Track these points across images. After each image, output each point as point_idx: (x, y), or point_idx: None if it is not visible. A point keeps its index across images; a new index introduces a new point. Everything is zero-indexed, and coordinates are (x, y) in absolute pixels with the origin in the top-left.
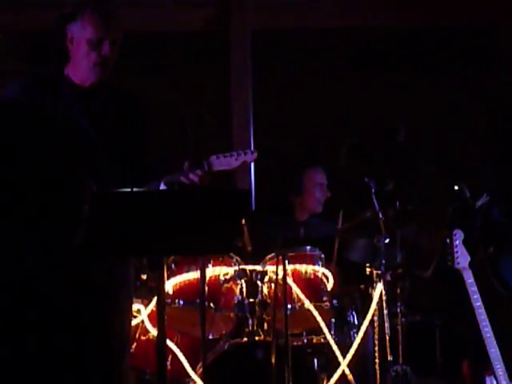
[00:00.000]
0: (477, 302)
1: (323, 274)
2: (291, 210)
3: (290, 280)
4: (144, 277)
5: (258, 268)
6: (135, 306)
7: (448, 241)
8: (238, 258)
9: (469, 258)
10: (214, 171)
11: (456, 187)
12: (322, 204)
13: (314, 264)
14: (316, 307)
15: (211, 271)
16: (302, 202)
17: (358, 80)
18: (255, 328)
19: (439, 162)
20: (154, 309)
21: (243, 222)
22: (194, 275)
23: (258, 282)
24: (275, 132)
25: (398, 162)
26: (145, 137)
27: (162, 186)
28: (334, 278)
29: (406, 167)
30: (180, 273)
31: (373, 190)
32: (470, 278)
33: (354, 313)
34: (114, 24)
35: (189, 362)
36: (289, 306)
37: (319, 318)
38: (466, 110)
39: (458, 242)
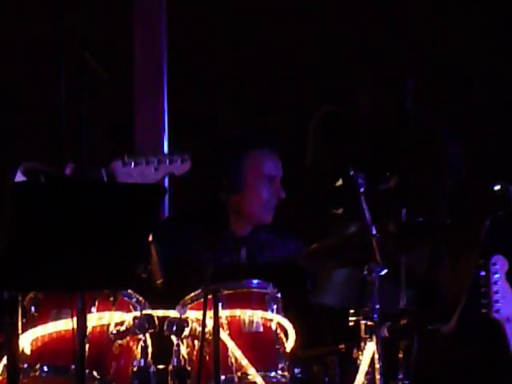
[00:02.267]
0: None
1: (279, 325)
2: (224, 219)
3: (224, 335)
4: None
5: (173, 314)
6: None
7: (483, 274)
8: (141, 298)
9: None
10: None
11: (497, 187)
12: (273, 210)
13: (264, 309)
14: (266, 380)
15: (96, 319)
16: (241, 206)
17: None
18: None
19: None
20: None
21: (150, 238)
22: (67, 325)
23: (173, 338)
24: (199, 94)
25: (404, 143)
26: None
27: (19, 176)
28: (296, 332)
29: (419, 153)
30: (44, 321)
31: (361, 190)
32: None
33: None
34: None
35: None
36: (222, 378)
37: None
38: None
39: (499, 275)
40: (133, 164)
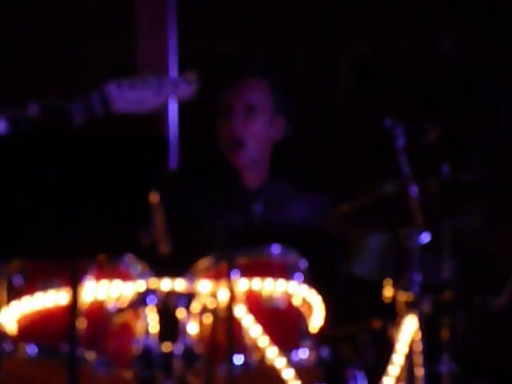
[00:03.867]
0: None
1: (304, 299)
2: (232, 169)
3: (241, 310)
4: None
5: (181, 286)
6: None
7: None
8: (145, 267)
9: None
10: (114, 114)
11: None
12: (232, 150)
13: (286, 280)
14: (289, 361)
15: (92, 291)
16: (221, 150)
17: None
18: None
19: None
20: None
21: (154, 196)
22: (58, 298)
23: (181, 313)
24: (211, 29)
25: (448, 92)
26: None
27: (2, 127)
28: (324, 306)
29: (466, 101)
30: (31, 292)
31: (400, 142)
32: None
33: (360, 373)
34: None
35: None
36: (238, 359)
37: (295, 383)
38: None
39: None
40: (129, 87)
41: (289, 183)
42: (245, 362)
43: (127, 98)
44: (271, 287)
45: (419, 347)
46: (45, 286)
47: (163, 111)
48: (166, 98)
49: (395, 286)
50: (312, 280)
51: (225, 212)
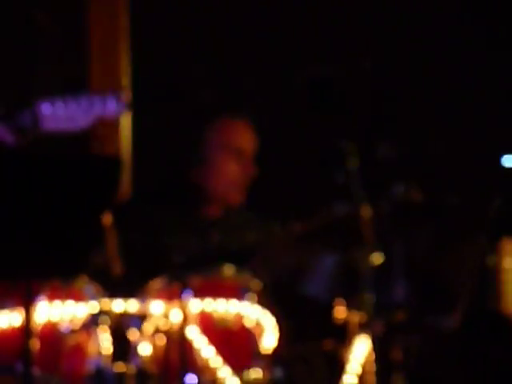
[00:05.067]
0: None
1: (256, 320)
2: (194, 199)
3: (194, 331)
4: None
5: (134, 307)
6: None
7: (491, 260)
8: (98, 287)
9: None
10: (43, 132)
11: (508, 161)
12: (243, 189)
13: (239, 299)
14: (242, 381)
15: (45, 312)
16: (206, 183)
17: None
18: None
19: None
20: None
21: (107, 219)
22: (12, 319)
23: (134, 334)
24: (165, 54)
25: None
26: None
27: None
28: (278, 327)
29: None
30: None
31: (352, 163)
32: None
33: None
34: None
35: None
36: (191, 380)
37: None
38: None
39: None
40: (60, 105)
41: (246, 210)
42: (198, 383)
43: (58, 116)
44: (224, 308)
45: (372, 368)
46: None
47: (115, 131)
48: (96, 116)
49: (347, 306)
50: (265, 300)
51: (181, 236)
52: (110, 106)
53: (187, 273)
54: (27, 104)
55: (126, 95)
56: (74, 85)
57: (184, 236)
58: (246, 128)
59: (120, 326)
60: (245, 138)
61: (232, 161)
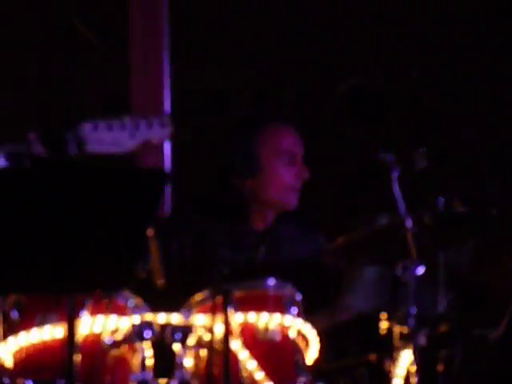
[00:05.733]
0: None
1: (299, 332)
2: (241, 210)
3: (236, 344)
4: None
5: (177, 320)
6: None
7: None
8: (140, 301)
9: None
10: (86, 153)
11: None
12: (297, 193)
13: (282, 313)
14: None
15: (87, 325)
16: (259, 191)
17: None
18: None
19: None
20: None
21: (151, 232)
22: (54, 332)
23: (177, 347)
24: (206, 64)
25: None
26: None
27: (1, 161)
28: (320, 341)
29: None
30: (27, 327)
31: (395, 174)
32: None
33: None
34: None
35: None
36: None
37: None
38: None
39: None
40: (105, 128)
41: (293, 221)
42: None
43: (102, 139)
44: (266, 321)
45: (415, 380)
46: (41, 321)
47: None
48: (141, 140)
49: (391, 319)
50: (309, 313)
51: (228, 250)
52: (156, 131)
53: (230, 286)
54: (69, 126)
55: (171, 120)
56: (115, 100)
57: (230, 248)
58: (294, 133)
59: (163, 339)
60: (294, 142)
61: (285, 165)
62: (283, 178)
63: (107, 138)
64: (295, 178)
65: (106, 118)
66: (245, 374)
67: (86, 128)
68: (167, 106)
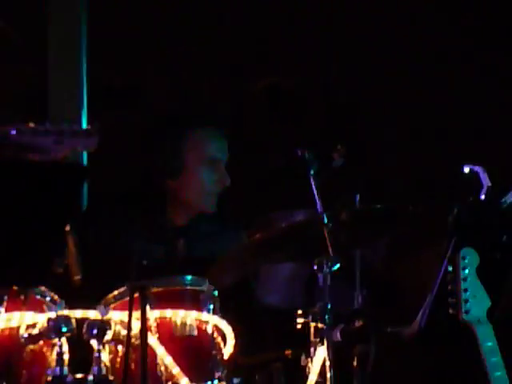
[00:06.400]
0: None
1: (216, 327)
2: (160, 206)
3: (153, 339)
4: None
5: (94, 315)
6: None
7: (450, 269)
8: (56, 296)
9: (489, 302)
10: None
11: (466, 169)
12: (216, 197)
13: (199, 309)
14: None
15: (4, 320)
16: (179, 192)
17: None
18: None
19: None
20: None
21: (68, 227)
22: None
23: (94, 343)
24: (122, 60)
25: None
26: None
27: None
28: (236, 336)
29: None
30: None
31: (311, 171)
32: (488, 340)
33: None
34: None
35: None
36: None
37: None
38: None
39: (467, 271)
40: (29, 135)
41: (213, 219)
42: None
43: (26, 146)
44: (183, 316)
45: (330, 376)
46: None
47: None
48: (67, 148)
49: (306, 314)
50: (225, 309)
51: (146, 244)
52: (82, 139)
53: (148, 281)
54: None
55: (97, 129)
56: (33, 96)
57: (149, 241)
58: (220, 139)
59: (80, 334)
60: (220, 149)
61: (206, 171)
62: (204, 183)
63: (31, 146)
64: (216, 185)
65: (29, 122)
66: (162, 369)
67: (11, 134)
68: (84, 101)
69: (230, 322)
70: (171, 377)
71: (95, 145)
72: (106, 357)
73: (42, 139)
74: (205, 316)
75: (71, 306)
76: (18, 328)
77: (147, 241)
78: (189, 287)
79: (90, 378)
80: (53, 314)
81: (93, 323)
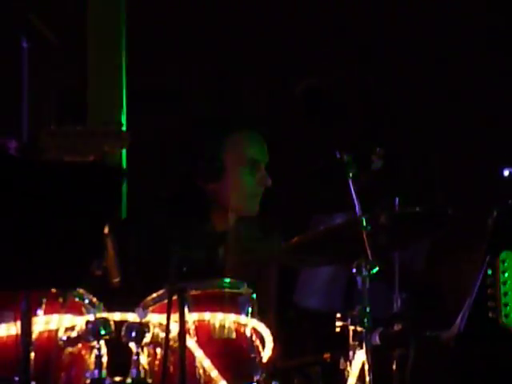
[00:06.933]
0: None
1: (254, 330)
2: (202, 210)
3: (192, 342)
4: None
5: (132, 318)
6: None
7: (489, 273)
8: (95, 299)
9: None
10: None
11: (506, 172)
12: (258, 200)
13: (237, 312)
14: None
15: (43, 322)
16: (221, 195)
17: None
18: None
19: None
20: None
21: (107, 230)
22: (9, 330)
23: (132, 345)
24: (161, 65)
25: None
26: None
27: None
28: (275, 339)
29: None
30: None
31: (350, 174)
32: None
33: None
34: None
35: None
36: None
37: None
38: None
39: (507, 274)
40: (62, 136)
41: (254, 223)
42: None
43: (59, 146)
44: (222, 318)
45: (368, 379)
46: None
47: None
48: (99, 148)
49: (345, 318)
50: (263, 312)
51: (187, 249)
52: (112, 140)
53: (186, 284)
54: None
55: (127, 132)
56: (73, 98)
57: (190, 248)
58: (260, 141)
59: (118, 337)
60: (260, 151)
61: (248, 173)
62: (245, 185)
63: (64, 146)
64: (257, 186)
65: (64, 124)
66: (200, 372)
67: (43, 136)
68: (124, 104)
69: (268, 326)
70: (209, 380)
71: (126, 146)
72: (144, 360)
73: (75, 141)
74: (243, 319)
75: (110, 308)
76: (57, 331)
77: (188, 246)
78: (227, 290)
79: (129, 380)
80: (91, 317)
81: (131, 326)
